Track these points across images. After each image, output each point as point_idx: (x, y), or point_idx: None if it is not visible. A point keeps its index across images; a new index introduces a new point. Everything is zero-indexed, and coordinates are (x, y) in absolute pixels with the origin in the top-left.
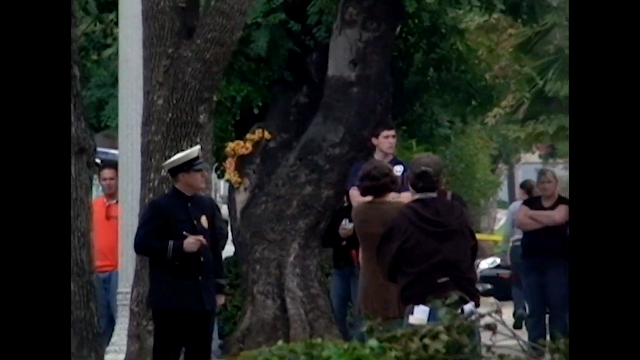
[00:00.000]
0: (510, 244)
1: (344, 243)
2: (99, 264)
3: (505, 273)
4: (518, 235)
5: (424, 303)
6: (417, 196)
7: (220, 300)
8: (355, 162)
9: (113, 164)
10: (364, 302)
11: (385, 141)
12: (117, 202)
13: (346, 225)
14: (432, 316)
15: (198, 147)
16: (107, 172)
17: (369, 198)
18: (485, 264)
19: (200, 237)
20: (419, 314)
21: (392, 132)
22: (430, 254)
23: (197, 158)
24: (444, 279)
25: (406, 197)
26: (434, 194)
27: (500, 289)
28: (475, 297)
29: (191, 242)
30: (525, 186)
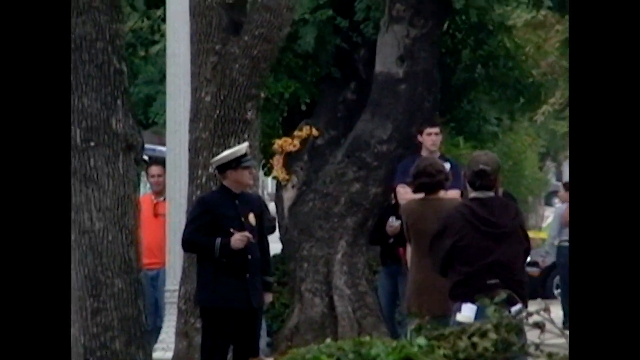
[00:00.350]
0: (557, 244)
1: (391, 241)
2: (147, 261)
3: (534, 271)
4: (566, 236)
5: (472, 301)
6: (473, 194)
7: (268, 298)
8: (402, 159)
9: (160, 161)
10: (414, 299)
11: (428, 138)
12: (164, 199)
13: (393, 222)
14: (479, 315)
15: (246, 144)
16: (154, 169)
17: (420, 195)
18: None
19: (247, 234)
20: (467, 312)
21: (435, 130)
22: (483, 253)
23: (245, 155)
24: (493, 281)
25: (453, 194)
26: (491, 193)
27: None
28: (524, 299)
29: (238, 238)
30: (567, 187)
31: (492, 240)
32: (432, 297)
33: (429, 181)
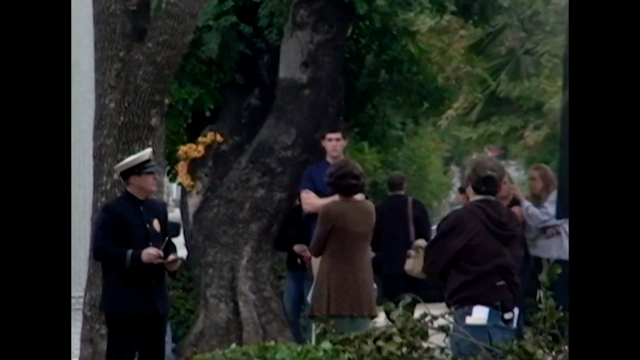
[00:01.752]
0: None
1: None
2: None
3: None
4: None
5: (483, 303)
6: (479, 197)
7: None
8: (307, 165)
9: None
10: (335, 301)
11: (329, 144)
12: None
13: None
14: (492, 317)
15: (149, 149)
16: None
17: (335, 198)
18: None
19: (160, 253)
20: (479, 314)
21: (335, 135)
22: (493, 255)
23: (148, 161)
24: (501, 282)
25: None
26: (494, 199)
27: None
28: (520, 303)
29: (149, 257)
30: (464, 190)
31: (502, 242)
32: (355, 299)
33: (356, 183)
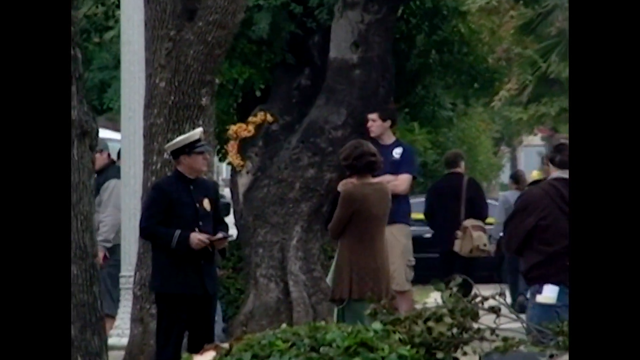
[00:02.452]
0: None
1: None
2: None
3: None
4: None
5: (553, 282)
6: (556, 174)
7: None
8: None
9: None
10: (357, 285)
11: (368, 125)
12: None
13: None
14: (561, 296)
15: (200, 129)
16: None
17: (356, 179)
18: None
19: (206, 239)
20: (549, 293)
21: (372, 116)
22: (565, 235)
23: (199, 140)
24: None
25: (404, 179)
26: None
27: None
28: None
29: (197, 242)
30: (514, 177)
31: None
32: (376, 282)
33: (375, 160)
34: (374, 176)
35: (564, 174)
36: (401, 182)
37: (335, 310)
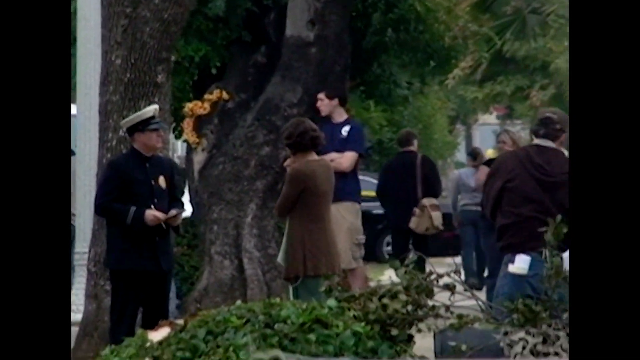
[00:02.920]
0: (460, 209)
1: None
2: None
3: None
4: (466, 200)
5: (524, 252)
6: (535, 142)
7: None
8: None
9: None
10: (311, 261)
11: (317, 104)
12: None
13: None
14: (533, 266)
15: (154, 106)
16: None
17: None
18: None
19: (161, 216)
20: (520, 263)
21: (320, 95)
22: (532, 199)
23: (152, 117)
24: (543, 229)
25: (350, 156)
26: (552, 144)
27: None
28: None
29: (151, 218)
30: (472, 154)
31: (543, 188)
32: (329, 258)
33: (317, 135)
34: (319, 154)
35: (543, 142)
36: (345, 159)
37: (290, 288)
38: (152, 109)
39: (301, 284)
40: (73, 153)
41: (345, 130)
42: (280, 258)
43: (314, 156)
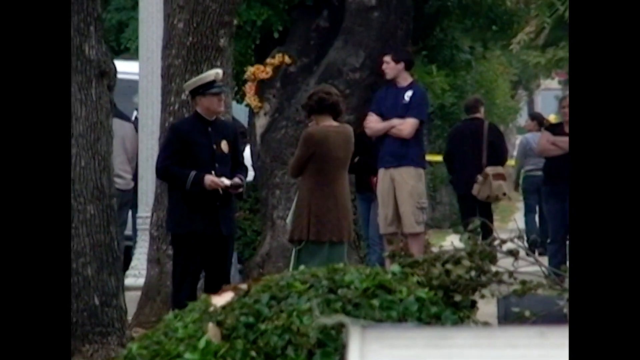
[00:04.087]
0: (523, 174)
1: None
2: None
3: None
4: (531, 165)
5: None
6: None
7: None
8: (376, 87)
9: None
10: (315, 226)
11: (382, 66)
12: None
13: None
14: None
15: (215, 70)
16: None
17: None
18: None
19: (222, 182)
20: None
21: (386, 58)
22: None
23: (214, 82)
24: None
25: (411, 123)
26: None
27: None
28: None
29: (210, 183)
30: (535, 117)
31: None
32: (335, 224)
33: (331, 100)
34: (382, 117)
35: None
36: (406, 126)
37: (293, 251)
38: (213, 73)
39: (304, 247)
40: (132, 119)
41: (408, 95)
42: (288, 220)
43: (331, 121)
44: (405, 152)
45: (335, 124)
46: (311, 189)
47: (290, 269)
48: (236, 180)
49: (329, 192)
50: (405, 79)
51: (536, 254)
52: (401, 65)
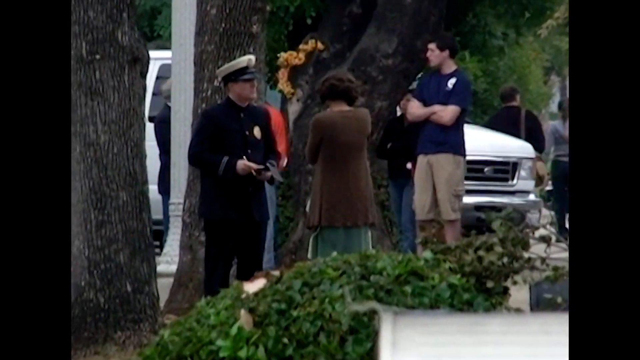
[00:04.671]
0: (552, 158)
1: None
2: None
3: None
4: (559, 151)
5: None
6: None
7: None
8: (410, 73)
9: None
10: (329, 211)
11: (427, 54)
12: None
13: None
14: None
15: (248, 57)
16: None
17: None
18: None
19: (254, 166)
20: None
21: (431, 46)
22: None
23: (246, 68)
24: None
25: (452, 110)
26: None
27: None
28: None
29: (242, 167)
30: (562, 106)
31: None
32: (348, 209)
33: (341, 86)
34: (425, 103)
35: None
36: (447, 113)
37: (311, 238)
38: (245, 59)
39: (320, 233)
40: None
41: (451, 82)
42: (307, 206)
43: (343, 107)
44: (444, 138)
45: (347, 108)
46: (323, 175)
47: (309, 256)
48: (269, 168)
49: (341, 177)
50: (450, 67)
51: (568, 240)
52: (446, 52)
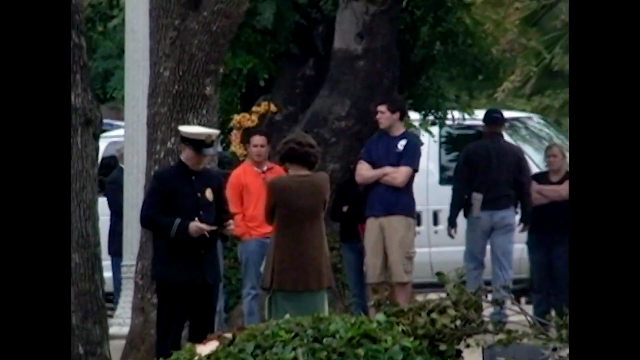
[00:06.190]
0: None
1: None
2: (264, 230)
3: None
4: None
5: None
6: None
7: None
8: (362, 136)
9: (263, 132)
10: (283, 275)
11: (377, 116)
12: (267, 169)
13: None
14: None
15: (208, 132)
16: (257, 139)
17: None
18: None
19: (206, 228)
20: None
21: (381, 108)
22: None
23: (211, 144)
24: None
25: (404, 171)
26: None
27: None
28: None
29: (195, 229)
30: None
31: None
32: (300, 272)
33: (300, 150)
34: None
35: None
36: (400, 174)
37: (266, 299)
38: (205, 135)
39: (272, 296)
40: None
41: (401, 144)
42: (261, 267)
43: (301, 171)
44: (395, 200)
45: (305, 172)
46: (277, 238)
47: (266, 317)
48: (229, 222)
49: (293, 241)
50: (399, 129)
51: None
52: (397, 115)
